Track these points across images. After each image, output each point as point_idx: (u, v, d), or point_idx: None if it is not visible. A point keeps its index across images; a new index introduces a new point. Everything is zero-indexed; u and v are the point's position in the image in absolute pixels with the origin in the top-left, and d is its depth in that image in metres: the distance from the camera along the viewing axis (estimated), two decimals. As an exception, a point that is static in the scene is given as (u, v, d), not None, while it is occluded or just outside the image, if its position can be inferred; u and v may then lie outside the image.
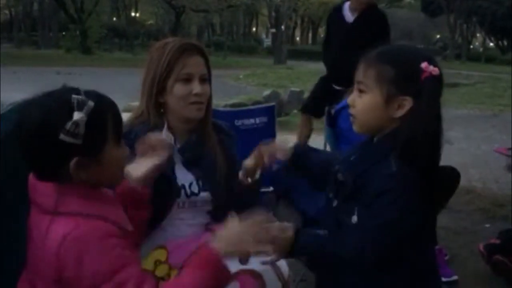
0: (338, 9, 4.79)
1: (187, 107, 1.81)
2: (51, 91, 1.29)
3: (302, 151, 1.68)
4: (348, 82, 3.13)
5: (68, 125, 1.20)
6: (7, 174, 1.45)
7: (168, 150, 1.61)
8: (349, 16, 4.70)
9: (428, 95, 1.35)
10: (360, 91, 1.43)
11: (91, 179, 1.29)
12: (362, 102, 1.42)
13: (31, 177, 1.32)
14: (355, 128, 1.47)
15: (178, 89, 1.79)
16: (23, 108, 1.28)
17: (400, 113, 1.38)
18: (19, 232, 1.35)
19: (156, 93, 1.81)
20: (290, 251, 1.40)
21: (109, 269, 1.23)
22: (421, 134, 1.34)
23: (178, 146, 1.85)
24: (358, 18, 4.69)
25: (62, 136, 1.20)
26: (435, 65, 1.38)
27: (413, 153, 1.33)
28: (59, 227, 1.23)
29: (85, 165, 1.26)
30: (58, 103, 1.24)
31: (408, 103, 1.37)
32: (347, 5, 4.69)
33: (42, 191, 1.30)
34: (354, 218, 1.39)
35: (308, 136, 3.78)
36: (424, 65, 1.36)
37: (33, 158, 1.27)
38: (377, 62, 1.40)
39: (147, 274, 1.36)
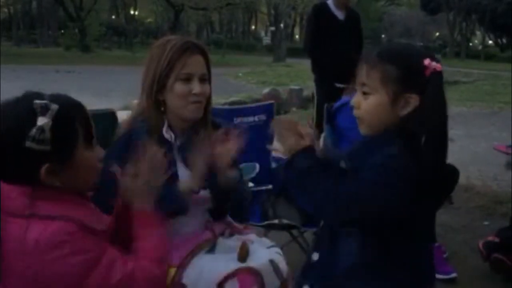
0: (324, 5, 4.74)
1: (186, 106, 1.81)
2: (14, 98, 1.24)
3: None
4: (348, 79, 3.14)
5: (33, 131, 1.16)
6: None
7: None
8: (339, 13, 4.67)
9: (435, 90, 1.36)
10: (364, 93, 1.43)
11: (64, 184, 1.25)
12: (368, 104, 1.42)
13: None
14: (362, 130, 1.47)
15: (178, 88, 1.79)
16: None
17: (406, 110, 1.38)
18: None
19: (156, 91, 1.81)
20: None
21: (92, 256, 1.22)
22: (429, 129, 1.34)
23: (178, 144, 1.85)
24: (348, 16, 4.68)
25: (28, 144, 1.16)
26: (436, 61, 1.39)
27: (421, 148, 1.33)
28: (33, 230, 1.20)
29: (57, 171, 1.22)
30: (20, 110, 1.20)
31: (414, 100, 1.37)
32: (331, 2, 4.66)
33: (7, 194, 1.23)
34: None
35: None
36: (427, 61, 1.37)
37: (2, 165, 1.22)
38: (380, 62, 1.40)
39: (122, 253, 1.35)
